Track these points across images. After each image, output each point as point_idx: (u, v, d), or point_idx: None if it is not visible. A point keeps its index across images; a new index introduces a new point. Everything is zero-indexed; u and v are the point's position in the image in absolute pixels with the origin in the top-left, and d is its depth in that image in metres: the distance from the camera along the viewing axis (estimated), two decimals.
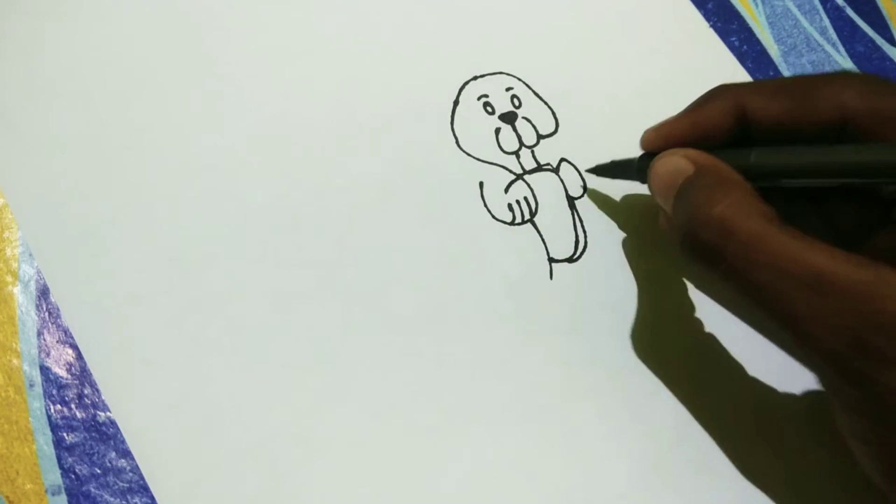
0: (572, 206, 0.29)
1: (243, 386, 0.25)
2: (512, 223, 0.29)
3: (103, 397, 0.25)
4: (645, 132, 0.26)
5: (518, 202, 0.29)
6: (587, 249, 0.29)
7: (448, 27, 0.32)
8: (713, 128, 0.25)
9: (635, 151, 0.27)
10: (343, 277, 0.27)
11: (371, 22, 0.31)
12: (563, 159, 0.30)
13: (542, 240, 0.29)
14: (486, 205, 0.29)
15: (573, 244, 0.29)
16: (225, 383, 0.25)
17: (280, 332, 0.26)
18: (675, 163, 0.24)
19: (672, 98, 0.26)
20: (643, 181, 0.27)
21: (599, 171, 0.29)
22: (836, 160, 0.22)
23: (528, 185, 0.29)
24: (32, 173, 0.27)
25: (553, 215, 0.29)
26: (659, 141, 0.26)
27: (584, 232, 0.29)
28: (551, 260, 0.28)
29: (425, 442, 0.26)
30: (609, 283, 0.28)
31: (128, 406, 0.25)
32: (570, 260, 0.29)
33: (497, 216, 0.29)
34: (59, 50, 0.29)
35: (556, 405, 0.27)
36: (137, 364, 0.25)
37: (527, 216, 0.29)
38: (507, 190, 0.29)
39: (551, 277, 0.28)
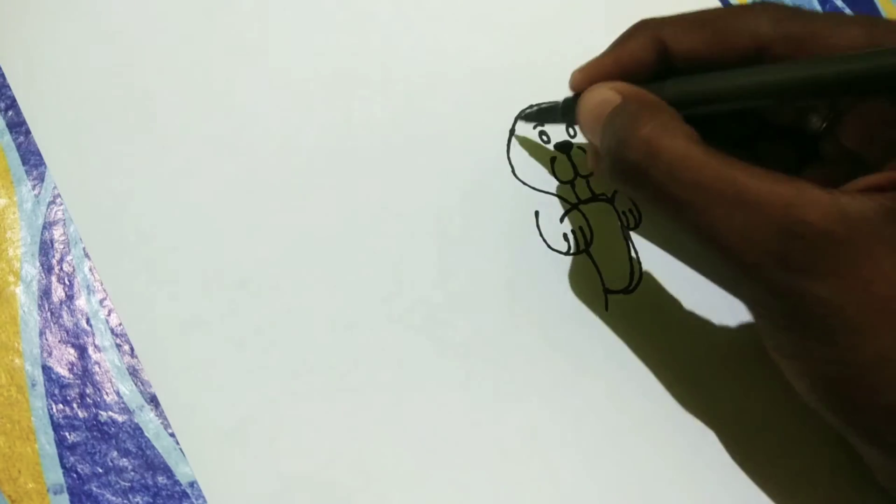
0: (627, 237, 0.29)
1: (305, 412, 0.26)
2: (567, 253, 0.29)
3: (168, 420, 0.25)
4: (572, 74, 0.27)
5: (573, 232, 0.29)
6: (643, 280, 0.29)
7: (505, 56, 0.32)
8: (636, 63, 0.25)
9: None
10: (401, 305, 0.28)
11: (429, 51, 0.32)
12: (617, 189, 0.30)
13: (598, 270, 0.29)
14: (541, 234, 0.29)
15: (629, 275, 0.29)
16: (286, 409, 0.26)
17: (341, 359, 0.27)
18: (602, 94, 0.24)
19: None
20: (569, 123, 0.29)
21: (527, 117, 0.30)
22: (742, 82, 0.22)
23: (584, 215, 0.30)
24: (99, 195, 0.28)
25: (608, 246, 0.29)
26: (585, 81, 0.26)
27: (640, 263, 0.29)
28: (607, 291, 0.29)
29: (483, 471, 0.26)
30: (665, 315, 0.28)
31: (191, 429, 0.25)
32: (626, 291, 0.29)
33: (553, 246, 0.29)
34: (129, 66, 0.30)
35: (612, 438, 0.27)
36: (201, 388, 0.26)
37: (582, 246, 0.29)
38: (562, 219, 0.29)
39: (606, 309, 0.28)
